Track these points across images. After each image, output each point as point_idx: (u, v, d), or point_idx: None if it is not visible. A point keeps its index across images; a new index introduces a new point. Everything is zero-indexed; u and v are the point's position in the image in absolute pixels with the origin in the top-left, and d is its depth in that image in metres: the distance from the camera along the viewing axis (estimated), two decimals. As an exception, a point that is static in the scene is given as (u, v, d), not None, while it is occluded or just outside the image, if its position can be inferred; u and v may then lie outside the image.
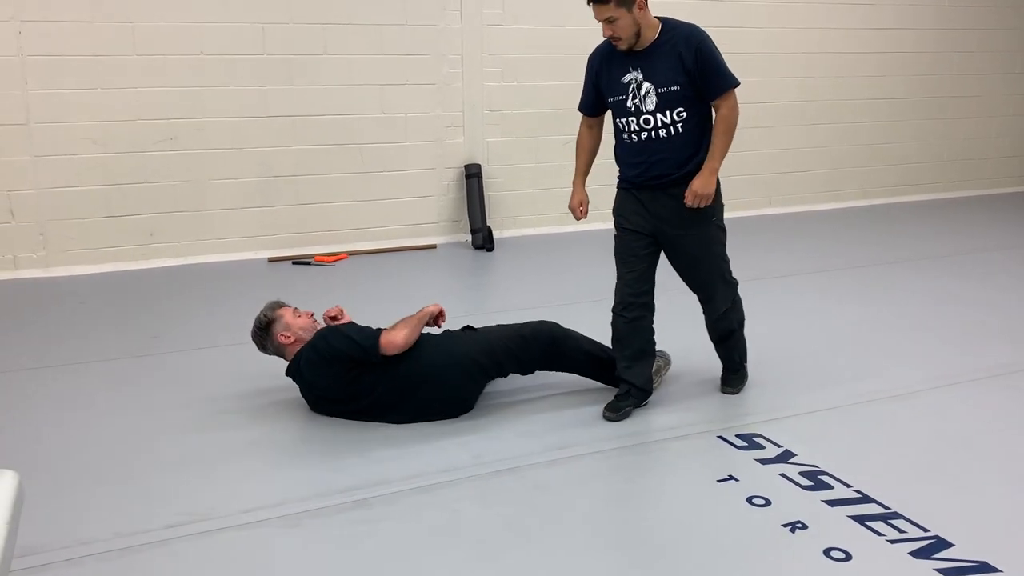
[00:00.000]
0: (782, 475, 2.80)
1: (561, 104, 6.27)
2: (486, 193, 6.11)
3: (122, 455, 2.96)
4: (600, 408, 3.25)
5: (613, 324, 3.28)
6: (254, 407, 3.30)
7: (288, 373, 3.23)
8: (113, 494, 2.71)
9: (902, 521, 2.53)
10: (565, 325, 3.37)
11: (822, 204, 7.40)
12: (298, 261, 5.55)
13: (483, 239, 5.93)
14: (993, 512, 2.60)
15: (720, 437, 3.07)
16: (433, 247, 6.02)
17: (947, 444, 3.04)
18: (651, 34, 3.03)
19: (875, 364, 3.77)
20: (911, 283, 5.07)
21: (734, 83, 3.06)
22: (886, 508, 2.60)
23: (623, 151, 3.21)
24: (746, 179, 7.05)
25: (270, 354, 3.29)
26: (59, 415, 3.29)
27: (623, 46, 3.03)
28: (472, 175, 6.04)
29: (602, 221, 6.49)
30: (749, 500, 2.65)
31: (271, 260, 5.57)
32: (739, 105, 3.12)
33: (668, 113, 3.04)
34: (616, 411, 3.21)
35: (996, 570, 2.30)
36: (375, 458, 2.92)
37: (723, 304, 3.30)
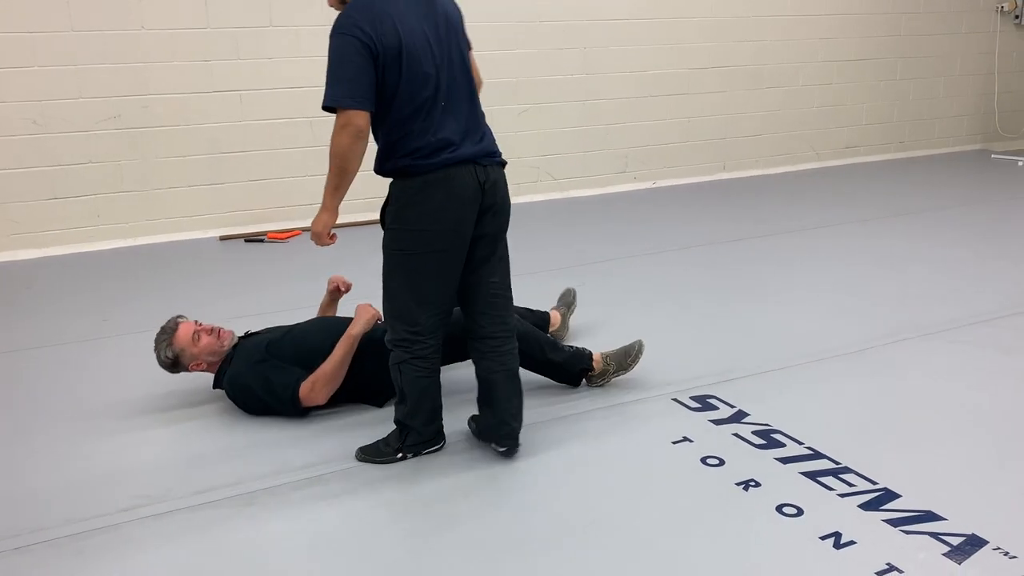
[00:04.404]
0: (735, 435, 2.85)
1: (514, 73, 6.22)
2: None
3: (73, 439, 2.91)
4: (549, 380, 3.21)
5: None
6: (207, 387, 3.25)
7: (218, 387, 3.12)
8: (64, 479, 2.67)
9: (851, 475, 2.59)
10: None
11: (776, 168, 7.47)
12: (250, 238, 5.47)
13: (439, 211, 5.89)
14: (938, 464, 2.67)
15: (675, 400, 3.11)
16: (389, 221, 5.96)
17: (895, 399, 3.11)
18: None
19: (825, 323, 3.84)
20: (860, 243, 5.15)
21: (329, 102, 2.38)
22: (836, 463, 2.66)
23: None
24: (699, 144, 7.08)
25: None
26: (6, 400, 3.22)
27: None
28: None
29: (559, 191, 6.53)
30: (703, 460, 2.69)
31: (222, 238, 5.48)
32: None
33: None
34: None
35: (941, 518, 2.37)
36: (331, 435, 2.90)
37: (388, 339, 2.68)
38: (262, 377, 2.96)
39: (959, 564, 2.18)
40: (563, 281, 4.48)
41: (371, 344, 2.95)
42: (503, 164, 2.68)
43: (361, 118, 2.39)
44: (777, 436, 2.83)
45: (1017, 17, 8.20)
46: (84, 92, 5.12)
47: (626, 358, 3.15)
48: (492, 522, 2.42)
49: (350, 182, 2.49)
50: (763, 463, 2.67)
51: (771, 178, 7.21)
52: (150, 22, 5.18)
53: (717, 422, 2.94)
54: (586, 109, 6.52)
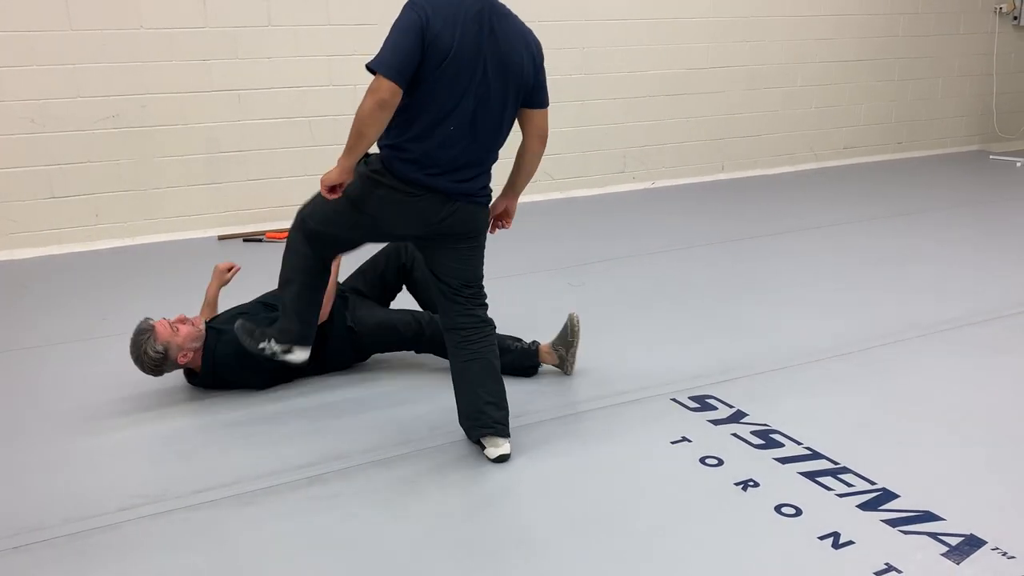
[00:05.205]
0: (734, 435, 2.85)
1: (512, 73, 6.22)
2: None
3: (72, 438, 2.91)
4: (551, 382, 3.25)
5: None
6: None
7: (196, 383, 3.21)
8: (62, 478, 2.66)
9: (850, 475, 2.59)
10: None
11: (775, 168, 7.47)
12: (249, 238, 5.46)
13: (438, 211, 5.89)
14: (937, 464, 2.67)
15: (673, 400, 3.11)
16: (387, 221, 5.96)
17: (893, 399, 3.11)
18: None
19: (823, 323, 3.84)
20: (858, 243, 5.15)
21: (370, 63, 2.42)
22: (835, 463, 2.66)
23: None
24: (698, 145, 7.08)
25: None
26: (5, 400, 3.22)
27: None
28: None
29: (558, 191, 6.53)
30: (702, 460, 2.70)
31: (221, 238, 5.47)
32: (387, 93, 2.40)
33: None
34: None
35: (940, 518, 2.37)
36: (330, 433, 2.90)
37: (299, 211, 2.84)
38: (264, 318, 3.07)
39: (957, 564, 2.18)
40: (562, 278, 4.50)
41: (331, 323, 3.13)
42: (481, 203, 2.69)
43: (388, 89, 2.38)
44: (776, 436, 2.84)
45: (1015, 18, 8.21)
46: (82, 91, 5.11)
47: (567, 337, 3.23)
48: (491, 522, 2.42)
49: (365, 147, 2.51)
50: (762, 463, 2.67)
51: (770, 178, 7.21)
52: (148, 21, 5.17)
53: (716, 422, 2.94)
54: (585, 109, 6.52)
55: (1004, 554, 2.21)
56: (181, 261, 5.00)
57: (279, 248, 5.31)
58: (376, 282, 3.49)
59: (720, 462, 2.68)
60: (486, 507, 2.50)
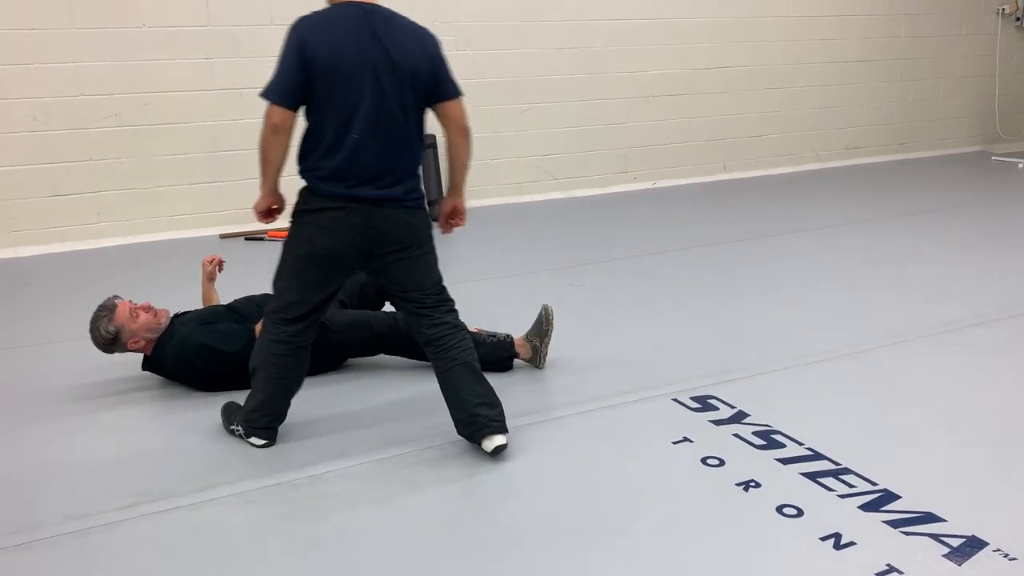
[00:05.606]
0: (736, 435, 2.85)
1: (515, 73, 6.22)
2: (442, 164, 6.06)
3: (74, 436, 2.92)
4: (551, 382, 3.26)
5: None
6: (208, 385, 3.26)
7: (149, 369, 3.26)
8: (64, 476, 2.67)
9: (852, 476, 2.59)
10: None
11: (776, 168, 7.47)
12: (251, 237, 5.47)
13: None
14: (938, 465, 2.67)
15: (675, 400, 3.11)
16: (389, 220, 5.96)
17: (894, 400, 3.11)
18: None
19: (825, 324, 3.84)
20: (860, 244, 5.15)
21: (261, 91, 2.52)
22: (836, 464, 2.66)
23: None
24: (699, 145, 7.08)
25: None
26: (7, 397, 3.22)
27: None
28: (427, 146, 5.98)
29: (560, 190, 6.53)
30: (703, 461, 2.69)
31: (223, 236, 5.48)
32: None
33: None
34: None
35: (941, 519, 2.37)
36: (330, 434, 2.90)
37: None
38: (214, 331, 3.17)
39: (959, 565, 2.18)
40: (563, 277, 4.50)
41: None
42: (412, 207, 2.68)
43: (277, 114, 2.49)
44: (777, 437, 2.83)
45: (1018, 20, 8.21)
46: (85, 90, 5.11)
47: (541, 327, 3.28)
48: (491, 522, 2.42)
49: (274, 170, 2.61)
50: (763, 464, 2.67)
51: (771, 179, 7.22)
52: (151, 20, 5.18)
53: (717, 422, 2.94)
54: (587, 109, 6.52)
55: (1006, 555, 2.21)
56: (183, 259, 5.00)
57: (280, 247, 5.32)
58: (355, 292, 3.48)
59: (721, 462, 2.68)
60: (486, 507, 2.50)
